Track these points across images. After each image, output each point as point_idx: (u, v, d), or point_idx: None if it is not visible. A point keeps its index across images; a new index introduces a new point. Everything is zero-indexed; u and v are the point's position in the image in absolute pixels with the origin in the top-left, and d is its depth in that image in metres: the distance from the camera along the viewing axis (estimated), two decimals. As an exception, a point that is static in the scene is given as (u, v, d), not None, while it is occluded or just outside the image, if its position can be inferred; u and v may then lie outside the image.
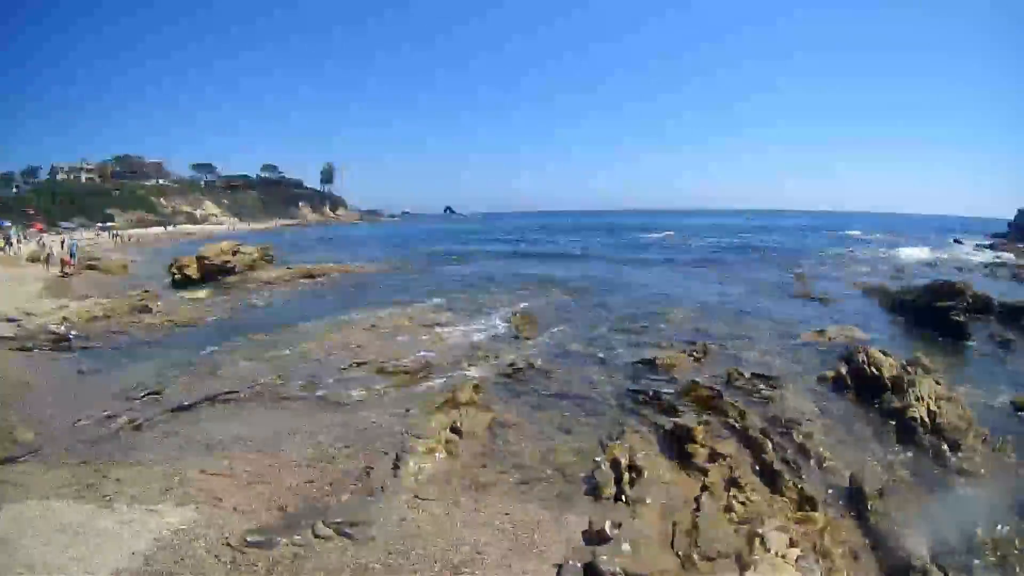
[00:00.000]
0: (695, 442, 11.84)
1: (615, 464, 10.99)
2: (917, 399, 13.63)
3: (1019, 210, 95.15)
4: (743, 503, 9.65)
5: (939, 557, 8.59)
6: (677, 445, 12.08)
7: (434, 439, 11.99)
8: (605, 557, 7.71)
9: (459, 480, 10.81)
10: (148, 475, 10.36)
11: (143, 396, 15.22)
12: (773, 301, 32.10)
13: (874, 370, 15.76)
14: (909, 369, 15.52)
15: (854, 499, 10.29)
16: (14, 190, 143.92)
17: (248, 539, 8.24)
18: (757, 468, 11.28)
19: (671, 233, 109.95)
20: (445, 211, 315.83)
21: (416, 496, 9.85)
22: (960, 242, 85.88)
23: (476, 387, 15.41)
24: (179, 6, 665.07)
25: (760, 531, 8.64)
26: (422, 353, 19.92)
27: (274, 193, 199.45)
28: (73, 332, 22.53)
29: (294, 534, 8.40)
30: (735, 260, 57.42)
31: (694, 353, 19.55)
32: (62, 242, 56.79)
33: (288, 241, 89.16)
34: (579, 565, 7.73)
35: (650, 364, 18.44)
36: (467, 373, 17.82)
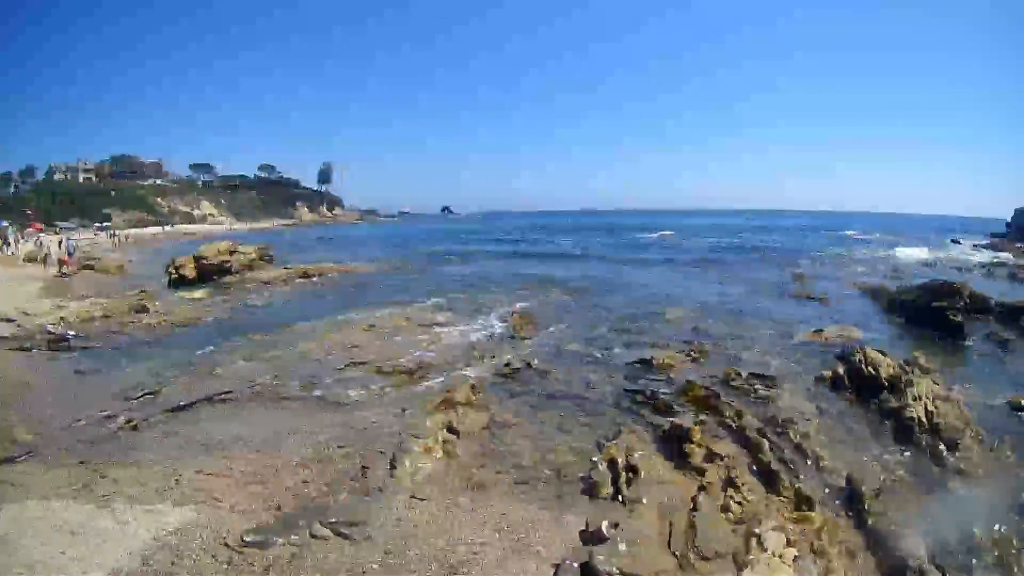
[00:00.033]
0: (692, 442, 11.84)
1: (612, 464, 10.99)
2: (915, 399, 13.63)
3: (1016, 210, 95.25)
4: (740, 503, 9.66)
5: (937, 557, 8.59)
6: (674, 445, 12.07)
7: (431, 439, 11.99)
8: (602, 557, 7.72)
9: (456, 480, 10.81)
10: (146, 475, 10.36)
11: (141, 396, 15.22)
12: (771, 301, 32.10)
13: (872, 370, 15.77)
14: (907, 369, 15.51)
15: (851, 499, 10.29)
16: (12, 190, 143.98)
17: (245, 539, 8.24)
18: (754, 468, 11.28)
19: (668, 232, 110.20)
20: (442, 211, 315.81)
21: (413, 496, 9.85)
22: (958, 242, 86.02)
23: (473, 387, 15.41)
24: (179, 6, 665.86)
25: (757, 531, 8.67)
26: (420, 353, 19.91)
27: (272, 193, 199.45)
28: (71, 332, 22.51)
29: (291, 534, 8.41)
30: (734, 260, 57.44)
31: (691, 353, 19.58)
32: (60, 242, 56.73)
33: (287, 241, 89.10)
34: (576, 565, 7.73)
35: (647, 364, 18.44)
36: (465, 373, 17.82)
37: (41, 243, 60.63)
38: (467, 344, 21.63)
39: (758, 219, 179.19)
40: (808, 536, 8.92)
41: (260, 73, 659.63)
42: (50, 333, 22.16)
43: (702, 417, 13.59)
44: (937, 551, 8.77)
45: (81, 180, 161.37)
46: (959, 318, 23.21)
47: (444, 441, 12.19)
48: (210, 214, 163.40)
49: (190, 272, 38.46)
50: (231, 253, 41.88)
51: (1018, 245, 74.45)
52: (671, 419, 13.16)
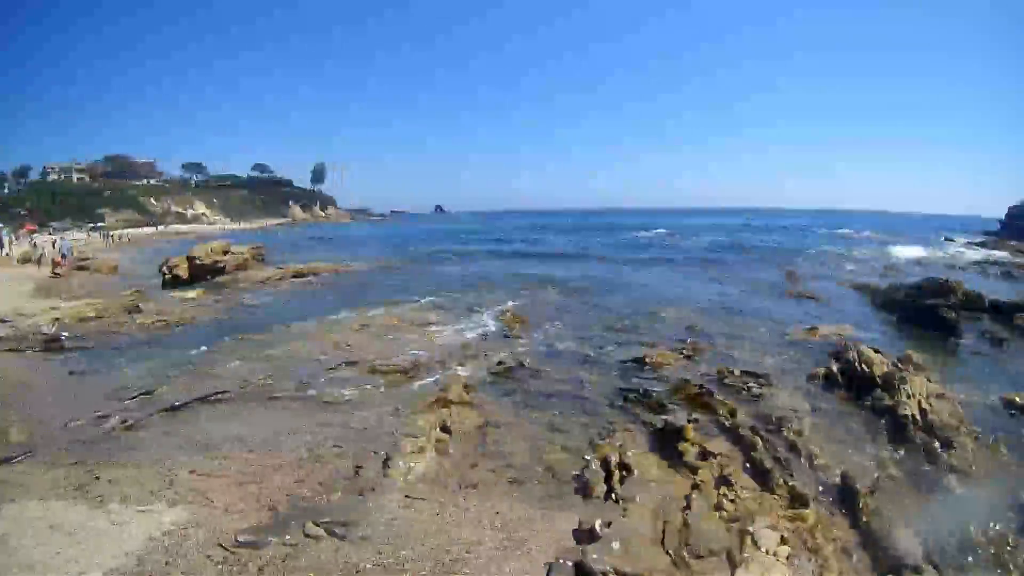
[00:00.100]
0: (685, 440, 11.87)
1: (605, 463, 11.00)
2: (908, 396, 13.67)
3: (1010, 208, 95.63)
4: (733, 501, 9.67)
5: (931, 554, 8.63)
6: (667, 443, 12.11)
7: (424, 438, 11.99)
8: (595, 556, 7.71)
9: (449, 479, 10.82)
10: (140, 475, 10.35)
11: (135, 396, 15.17)
12: (766, 300, 32.21)
13: (865, 367, 15.81)
14: (900, 366, 15.55)
15: (845, 497, 10.32)
16: (5, 190, 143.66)
17: (239, 539, 8.23)
18: (748, 466, 11.30)
19: (662, 231, 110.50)
20: (435, 210, 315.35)
21: (407, 495, 9.84)
22: (951, 240, 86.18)
23: (467, 386, 15.43)
24: (179, 6, 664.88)
25: (751, 529, 8.66)
26: (413, 352, 19.90)
27: (264, 193, 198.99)
28: (65, 332, 22.44)
29: (285, 534, 8.40)
30: (731, 259, 57.39)
31: (685, 351, 19.62)
32: (54, 243, 56.61)
33: (282, 241, 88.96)
34: (569, 564, 7.73)
35: (640, 363, 18.48)
36: (458, 372, 17.84)
37: (35, 244, 60.47)
38: (460, 343, 21.63)
39: (758, 219, 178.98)
40: (802, 534, 8.93)
41: (260, 73, 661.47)
42: (44, 334, 22.10)
43: (695, 415, 13.58)
44: (932, 548, 8.80)
45: (75, 180, 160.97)
46: (953, 316, 23.29)
47: (437, 440, 12.19)
48: (203, 214, 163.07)
49: (183, 272, 38.37)
50: (224, 253, 41.81)
51: (1012, 243, 74.69)
52: (664, 417, 13.20)
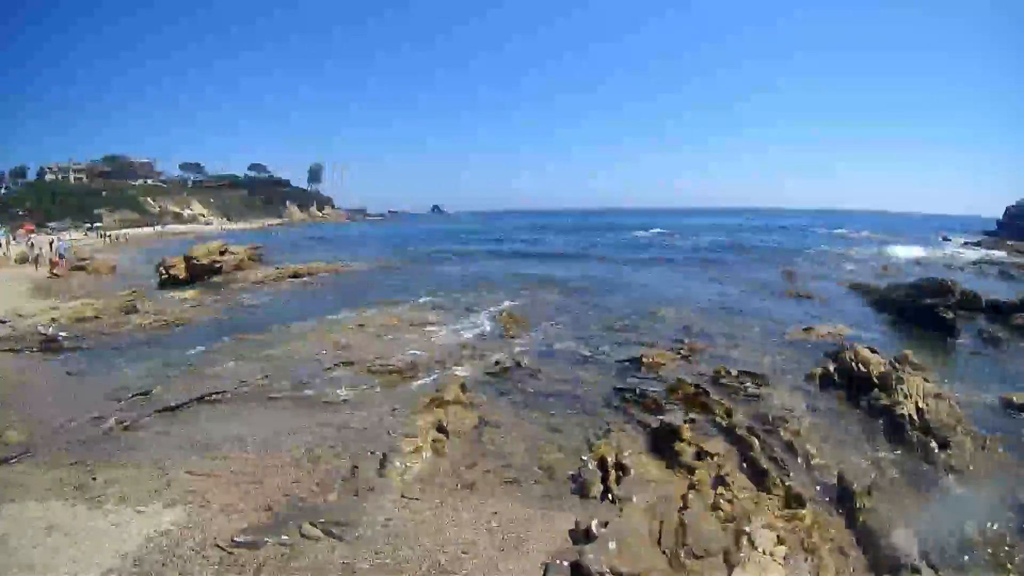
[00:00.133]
0: (682, 440, 11.87)
1: (602, 463, 11.01)
2: (905, 396, 13.69)
3: (1007, 208, 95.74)
4: (730, 501, 9.66)
5: (929, 554, 8.61)
6: (664, 443, 12.11)
7: (421, 438, 11.99)
8: (592, 556, 7.70)
9: (446, 479, 10.82)
10: (137, 476, 10.36)
11: (132, 397, 15.18)
12: (764, 299, 32.25)
13: (862, 367, 15.83)
14: (897, 366, 15.54)
15: (842, 496, 10.32)
16: (3, 190, 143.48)
17: (236, 539, 8.23)
18: (744, 466, 11.31)
19: (661, 231, 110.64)
20: (432, 210, 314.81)
21: (403, 496, 9.84)
22: (948, 239, 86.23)
23: (463, 386, 15.42)
24: (179, 6, 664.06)
25: (747, 529, 8.67)
26: (410, 352, 19.90)
27: (262, 192, 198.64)
28: (62, 333, 22.45)
29: (281, 534, 8.40)
30: (730, 259, 57.38)
31: (682, 351, 19.63)
32: (51, 243, 56.55)
33: (282, 241, 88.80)
34: (566, 564, 7.73)
35: (637, 363, 18.49)
36: (456, 372, 17.83)
37: (32, 244, 60.38)
38: (458, 343, 21.63)
39: (758, 219, 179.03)
40: (799, 534, 8.92)
41: (260, 73, 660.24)
42: (42, 334, 22.10)
43: (692, 415, 13.58)
44: (930, 549, 8.78)
45: (72, 180, 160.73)
46: (950, 316, 23.30)
47: (434, 440, 12.19)
48: (200, 214, 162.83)
49: (181, 272, 38.44)
50: (221, 253, 41.96)
51: (1010, 243, 74.74)
52: (661, 417, 13.17)
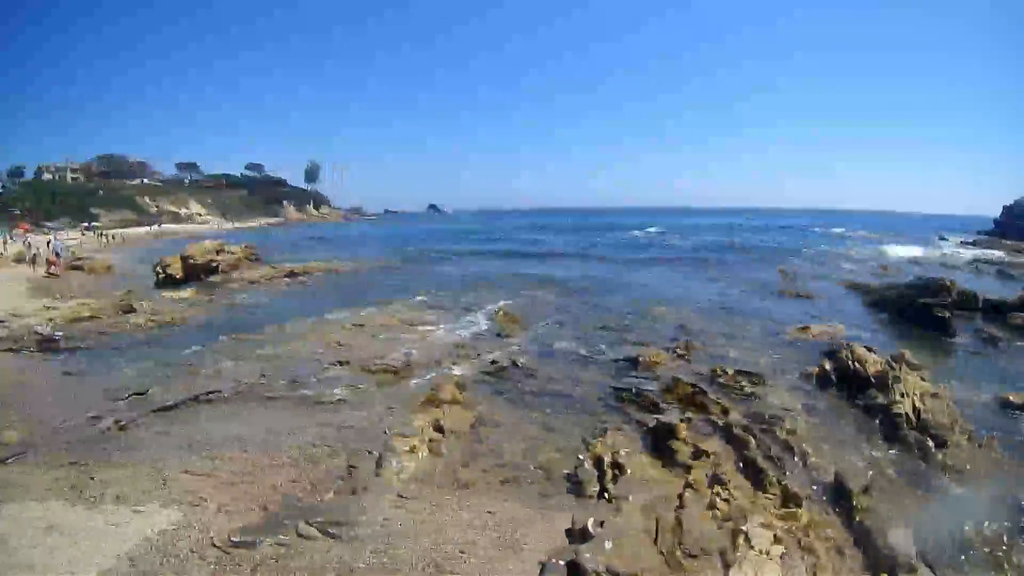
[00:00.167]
0: (678, 439, 11.90)
1: (598, 462, 11.04)
2: (902, 395, 13.71)
3: (1005, 207, 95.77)
4: (727, 500, 9.66)
5: (926, 554, 8.62)
6: (661, 442, 12.13)
7: (417, 438, 12.01)
8: (588, 555, 7.69)
9: (443, 479, 10.84)
10: (134, 476, 10.36)
11: (128, 397, 15.14)
12: (761, 299, 32.33)
13: (858, 366, 15.86)
14: (894, 365, 15.56)
15: (839, 496, 10.33)
16: (1, 190, 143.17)
17: (232, 539, 8.23)
18: (741, 465, 11.32)
19: (660, 230, 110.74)
20: (429, 209, 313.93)
21: (399, 495, 9.85)
22: (945, 239, 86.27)
23: (459, 385, 15.47)
24: (179, 6, 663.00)
25: (744, 528, 8.66)
26: (406, 351, 19.86)
27: (258, 192, 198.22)
28: (59, 333, 22.39)
29: (278, 534, 8.40)
30: (728, 259, 57.28)
31: (678, 351, 19.64)
32: (48, 242, 56.45)
33: (282, 241, 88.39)
34: (562, 563, 7.71)
35: (633, 362, 18.50)
36: (452, 371, 17.86)
37: (29, 244, 60.25)
38: (454, 342, 21.62)
39: (757, 219, 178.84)
40: (795, 533, 8.93)
41: (260, 73, 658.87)
42: (39, 334, 22.05)
43: (688, 414, 13.60)
44: (926, 547, 8.79)
45: (69, 180, 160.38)
46: (946, 314, 23.34)
47: (430, 440, 12.20)
48: (197, 213, 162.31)
49: (177, 272, 38.37)
50: (218, 252, 41.90)
51: (1007, 242, 74.85)
52: (657, 417, 13.20)
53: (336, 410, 14.47)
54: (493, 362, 18.52)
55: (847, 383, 15.84)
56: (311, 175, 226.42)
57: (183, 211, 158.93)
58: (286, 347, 20.38)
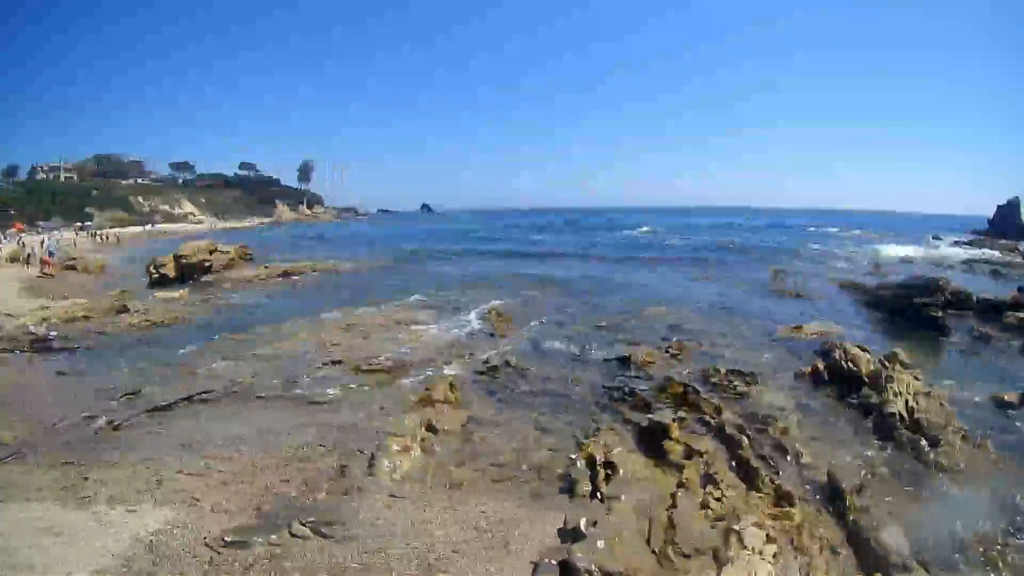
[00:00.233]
0: (671, 439, 11.90)
1: (590, 461, 11.05)
2: (895, 394, 13.74)
3: (998, 207, 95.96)
4: (720, 499, 9.67)
5: (919, 552, 8.64)
6: (653, 442, 12.12)
7: (410, 437, 12.01)
8: (580, 554, 7.71)
9: (435, 478, 10.83)
10: (127, 476, 10.36)
11: (122, 397, 15.17)
12: (755, 298, 32.38)
13: (851, 365, 15.90)
14: (887, 364, 15.60)
15: (832, 495, 10.35)
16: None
17: (225, 539, 8.22)
18: (733, 464, 11.33)
19: (658, 229, 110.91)
20: (422, 209, 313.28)
21: (392, 495, 9.85)
22: (938, 238, 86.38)
23: (452, 385, 15.48)
24: (179, 6, 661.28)
25: (737, 527, 8.68)
26: (399, 351, 19.92)
27: (252, 191, 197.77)
28: (53, 333, 22.42)
29: (271, 534, 8.39)
30: (726, 259, 57.43)
31: (670, 350, 19.64)
32: (42, 242, 56.37)
33: (278, 240, 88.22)
34: (555, 563, 7.73)
35: (626, 361, 18.52)
36: (445, 371, 17.85)
37: (23, 243, 60.11)
38: (446, 342, 21.64)
39: (757, 219, 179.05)
40: (788, 532, 8.93)
41: (260, 73, 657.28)
42: (33, 334, 22.06)
43: (681, 414, 13.60)
44: (919, 546, 8.81)
45: (63, 179, 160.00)
46: (939, 314, 23.41)
47: (422, 439, 12.21)
48: (190, 213, 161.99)
49: (171, 271, 38.40)
50: (211, 252, 41.95)
51: (1001, 241, 75.01)
52: (650, 416, 13.17)
53: (329, 410, 14.49)
54: (486, 361, 18.53)
55: (840, 382, 15.88)
56: (304, 174, 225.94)
57: (176, 211, 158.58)
58: (280, 347, 20.40)
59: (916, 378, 14.76)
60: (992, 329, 23.21)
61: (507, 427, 13.48)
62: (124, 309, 26.93)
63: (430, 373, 17.62)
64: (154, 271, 38.46)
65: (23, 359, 19.35)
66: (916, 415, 13.06)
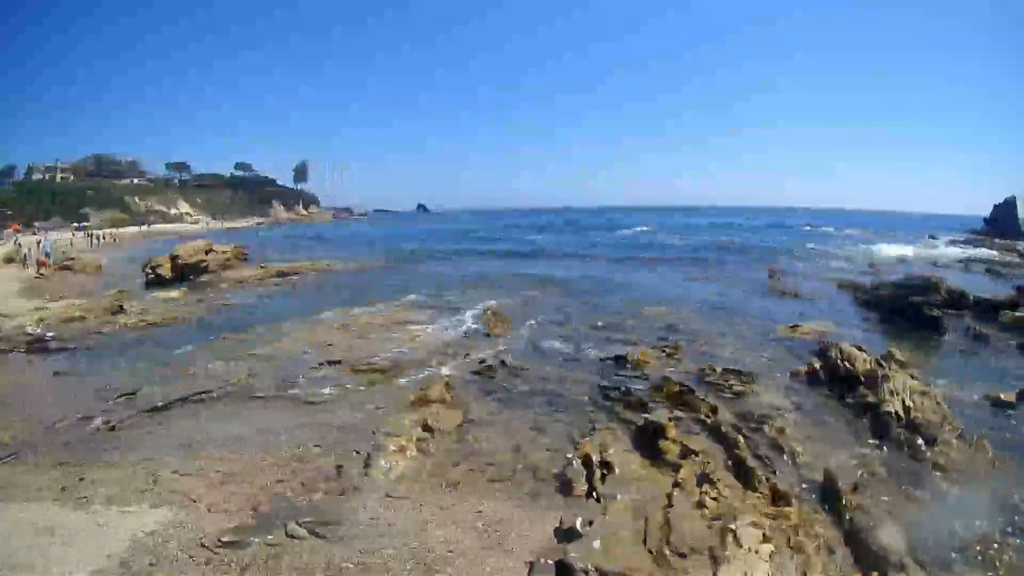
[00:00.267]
0: (667, 438, 11.89)
1: (586, 461, 11.04)
2: (892, 393, 13.72)
3: (995, 206, 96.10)
4: (715, 499, 9.66)
5: (915, 552, 8.64)
6: (649, 441, 12.12)
7: (406, 437, 12.03)
8: (576, 554, 7.71)
9: (431, 478, 10.83)
10: (124, 476, 10.38)
11: (118, 397, 15.17)
12: (752, 297, 32.39)
13: (848, 365, 15.88)
14: (883, 364, 15.58)
15: (828, 494, 10.33)
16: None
17: (222, 539, 8.24)
18: (730, 464, 11.31)
19: (658, 229, 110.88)
20: (418, 208, 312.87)
21: (388, 495, 9.87)
22: (935, 238, 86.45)
23: (448, 384, 15.50)
24: (179, 6, 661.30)
25: (733, 527, 8.66)
26: (395, 351, 19.94)
27: (248, 191, 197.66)
28: (50, 333, 22.41)
29: (267, 534, 8.42)
30: (724, 258, 57.36)
31: (666, 349, 19.67)
32: (38, 243, 56.36)
33: (269, 240, 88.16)
34: (551, 563, 7.74)
35: (622, 361, 18.52)
36: (441, 371, 17.86)
37: (19, 244, 60.07)
38: (444, 342, 21.63)
39: (757, 218, 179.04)
40: (785, 532, 8.92)
41: (260, 73, 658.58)
42: (29, 334, 22.06)
43: (677, 413, 13.60)
44: (916, 545, 8.81)
45: (59, 180, 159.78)
46: (936, 313, 23.42)
47: (419, 439, 12.20)
48: (186, 213, 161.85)
49: (167, 272, 38.34)
50: (207, 252, 41.97)
51: (997, 241, 75.09)
52: (646, 415, 13.17)
53: (325, 410, 14.48)
54: (482, 361, 18.52)
55: (837, 381, 15.86)
56: (300, 174, 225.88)
57: (173, 211, 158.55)
58: (277, 347, 20.42)
59: (913, 377, 14.75)
60: (989, 328, 23.21)
61: (504, 427, 13.46)
62: (120, 310, 26.91)
63: (427, 373, 17.61)
64: (151, 271, 38.41)
65: (20, 359, 19.35)
66: (913, 414, 13.05)
